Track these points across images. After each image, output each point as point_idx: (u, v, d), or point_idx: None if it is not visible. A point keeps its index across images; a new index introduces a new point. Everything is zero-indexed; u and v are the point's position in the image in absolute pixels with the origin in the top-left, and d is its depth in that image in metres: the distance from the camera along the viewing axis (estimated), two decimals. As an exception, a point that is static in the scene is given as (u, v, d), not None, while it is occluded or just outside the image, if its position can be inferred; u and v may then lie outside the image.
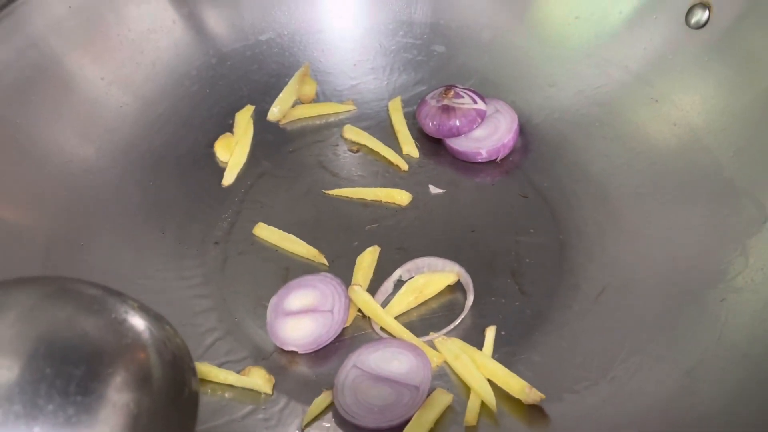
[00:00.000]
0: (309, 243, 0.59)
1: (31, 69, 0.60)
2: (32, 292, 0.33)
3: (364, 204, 0.62)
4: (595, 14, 0.66)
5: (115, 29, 0.65)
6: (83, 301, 0.34)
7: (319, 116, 0.70)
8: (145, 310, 0.36)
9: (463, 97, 0.66)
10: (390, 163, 0.65)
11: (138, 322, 0.35)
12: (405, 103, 0.70)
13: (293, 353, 0.51)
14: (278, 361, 0.52)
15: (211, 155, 0.66)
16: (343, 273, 0.56)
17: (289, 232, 0.60)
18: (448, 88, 0.66)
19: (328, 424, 0.48)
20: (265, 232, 0.60)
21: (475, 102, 0.66)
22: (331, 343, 0.51)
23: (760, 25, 0.55)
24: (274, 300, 0.53)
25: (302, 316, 0.52)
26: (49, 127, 0.60)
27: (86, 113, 0.63)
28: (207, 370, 0.49)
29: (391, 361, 0.49)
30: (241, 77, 0.70)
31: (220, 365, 0.51)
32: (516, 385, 0.47)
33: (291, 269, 0.57)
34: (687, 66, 0.60)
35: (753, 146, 0.54)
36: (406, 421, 0.46)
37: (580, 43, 0.67)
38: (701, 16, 0.59)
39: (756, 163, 0.53)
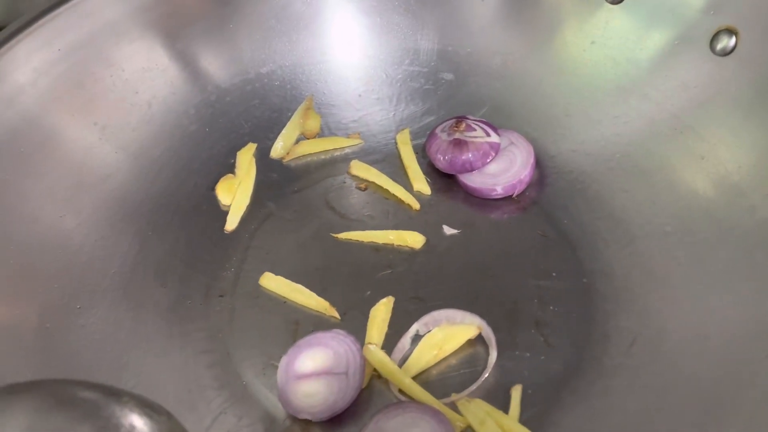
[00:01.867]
0: (319, 293, 0.56)
1: (19, 118, 0.56)
2: (27, 406, 0.30)
3: (375, 248, 0.59)
4: (612, 39, 0.63)
5: (107, 70, 0.62)
6: (83, 415, 0.31)
7: (324, 152, 0.66)
8: (150, 414, 0.33)
9: (475, 130, 0.63)
10: (401, 201, 0.62)
11: (135, 430, 0.32)
12: (414, 135, 0.67)
13: (307, 421, 0.48)
14: (291, 429, 0.49)
15: (213, 199, 0.62)
16: (356, 327, 0.53)
17: (297, 280, 0.57)
18: (459, 120, 0.63)
19: (347, 500, 0.45)
20: (272, 283, 0.57)
21: (488, 135, 0.63)
22: (346, 410, 0.48)
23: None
24: (284, 361, 0.50)
25: (315, 380, 0.49)
26: (39, 181, 0.56)
27: (79, 161, 0.59)
28: (216, 445, 0.46)
29: (411, 428, 0.46)
30: (242, 113, 0.67)
31: (230, 437, 0.48)
32: (547, 455, 0.44)
33: (301, 323, 0.54)
34: (713, 96, 0.57)
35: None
36: (431, 497, 0.43)
37: (597, 70, 0.64)
38: (727, 42, 0.56)
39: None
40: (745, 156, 0.54)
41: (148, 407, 0.34)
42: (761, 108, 0.54)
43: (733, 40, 0.56)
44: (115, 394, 0.33)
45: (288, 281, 0.56)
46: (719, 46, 0.57)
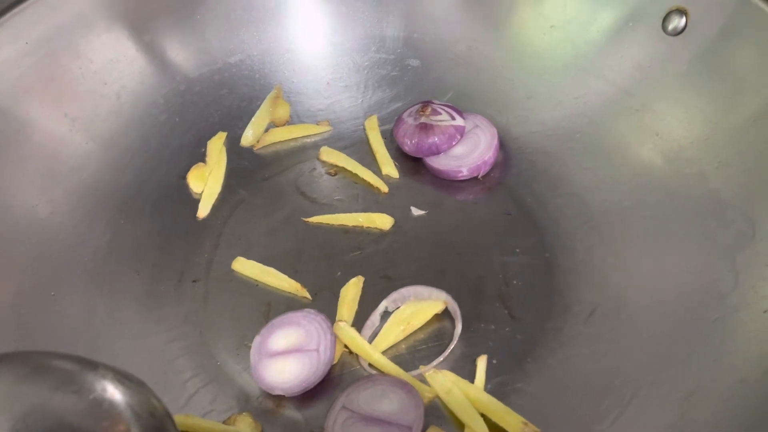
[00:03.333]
0: (291, 275, 0.57)
1: (-11, 111, 0.57)
2: (3, 375, 0.31)
3: (345, 230, 0.60)
4: (571, 23, 0.65)
5: (75, 62, 0.62)
6: (58, 382, 0.32)
7: (294, 139, 0.68)
8: (123, 382, 0.34)
9: (440, 114, 0.64)
10: (370, 185, 0.64)
11: (117, 398, 0.33)
12: (381, 121, 0.68)
13: (280, 396, 0.50)
14: (265, 405, 0.50)
15: (184, 187, 0.63)
16: (328, 306, 0.55)
17: (269, 264, 0.58)
18: (425, 104, 0.65)
19: (319, 470, 0.46)
20: (244, 266, 0.58)
21: (454, 118, 0.64)
22: (319, 385, 0.50)
23: (741, 33, 0.54)
24: (257, 340, 0.52)
25: (287, 357, 0.50)
26: (11, 172, 0.57)
27: (51, 153, 0.60)
28: (191, 422, 0.47)
29: (381, 399, 0.48)
30: (212, 103, 0.68)
31: (205, 415, 0.49)
32: (512, 421, 0.46)
33: (273, 305, 0.56)
34: (666, 75, 0.59)
35: (738, 156, 0.53)
36: (401, 464, 0.45)
37: (556, 53, 0.65)
38: (678, 22, 0.58)
39: (742, 173, 0.52)
40: (697, 130, 0.57)
41: (122, 376, 0.35)
42: (711, 84, 0.56)
43: (684, 19, 0.58)
44: (91, 365, 0.34)
45: (260, 265, 0.58)
46: (671, 26, 0.59)
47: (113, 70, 0.64)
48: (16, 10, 0.58)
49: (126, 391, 0.33)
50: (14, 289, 0.53)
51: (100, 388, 0.33)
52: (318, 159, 0.66)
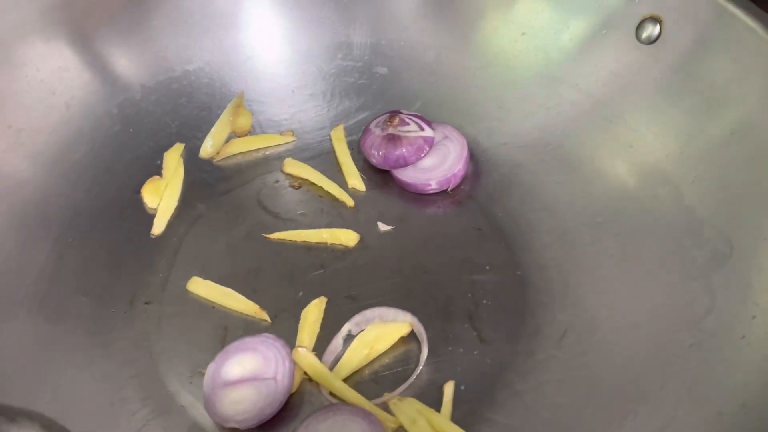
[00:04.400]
0: (249, 296, 0.54)
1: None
2: None
3: (308, 247, 0.58)
4: (543, 30, 0.63)
5: (20, 70, 0.59)
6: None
7: (256, 150, 0.65)
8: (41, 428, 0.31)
9: (408, 124, 0.62)
10: (335, 199, 0.61)
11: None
12: (348, 131, 0.65)
13: (235, 430, 0.47)
14: (218, 437, 0.47)
15: (139, 202, 0.60)
16: (288, 329, 0.52)
17: (227, 283, 0.55)
18: (393, 114, 0.62)
19: None
20: (200, 287, 0.55)
21: (422, 129, 0.62)
22: (276, 412, 0.47)
23: (717, 42, 0.52)
24: (211, 368, 0.49)
25: (243, 386, 0.47)
26: (-52, 188, 0.54)
27: (-8, 167, 0.56)
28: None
29: (342, 430, 0.45)
30: (169, 112, 0.65)
31: (149, 451, 0.46)
32: (479, 454, 0.44)
33: (230, 328, 0.53)
34: (640, 84, 0.57)
35: (714, 171, 0.51)
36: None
37: (528, 61, 0.63)
38: (652, 30, 0.56)
39: (718, 189, 0.50)
40: (671, 143, 0.55)
41: (47, 428, 0.32)
42: (686, 95, 0.54)
43: (658, 28, 0.56)
44: (10, 415, 0.31)
45: (216, 285, 0.55)
46: (644, 35, 0.57)
47: (62, 79, 0.61)
48: (-45, 16, 0.54)
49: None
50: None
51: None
52: (281, 171, 0.63)
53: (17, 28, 0.58)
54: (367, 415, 0.46)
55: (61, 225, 0.57)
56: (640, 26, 0.57)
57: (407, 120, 0.62)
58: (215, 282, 0.55)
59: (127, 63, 0.64)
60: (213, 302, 0.54)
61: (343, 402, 0.48)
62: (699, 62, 0.54)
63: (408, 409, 0.47)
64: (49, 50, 0.60)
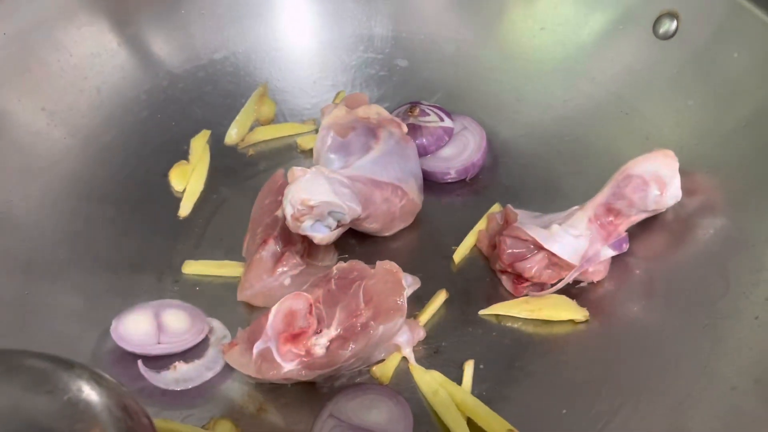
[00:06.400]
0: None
1: (-37, 103, 0.55)
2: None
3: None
4: (561, 25, 0.64)
5: (54, 55, 0.60)
6: (31, 382, 0.31)
7: (279, 138, 0.66)
8: (100, 382, 0.33)
9: (429, 115, 0.63)
10: (355, 186, 0.62)
11: (93, 398, 0.32)
12: (369, 121, 0.67)
13: (262, 400, 0.48)
14: (246, 409, 0.48)
15: (166, 185, 0.62)
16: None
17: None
18: (413, 105, 0.64)
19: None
20: (195, 267, 0.56)
21: (442, 119, 0.63)
22: (304, 390, 0.48)
23: (733, 37, 0.53)
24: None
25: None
26: (-15, 166, 0.55)
27: (27, 147, 0.58)
28: (170, 427, 0.46)
29: (369, 409, 0.47)
30: (195, 100, 0.67)
31: (184, 419, 0.47)
32: (498, 427, 0.45)
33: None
34: (656, 78, 0.59)
35: (729, 161, 0.53)
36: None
37: (546, 55, 0.65)
38: (669, 26, 0.58)
39: (733, 180, 0.52)
40: (687, 135, 0.56)
41: (99, 376, 0.34)
42: (701, 89, 0.56)
43: (675, 23, 0.57)
44: (66, 364, 0.32)
45: (210, 261, 0.56)
46: (662, 30, 0.58)
47: (94, 64, 0.63)
48: (-7, 0, 0.56)
49: (103, 391, 0.32)
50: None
51: (76, 388, 0.31)
52: (299, 150, 0.65)
53: (54, 13, 0.60)
54: (394, 395, 0.47)
55: (91, 205, 0.59)
56: (657, 21, 0.58)
57: (427, 111, 0.64)
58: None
59: (156, 50, 0.66)
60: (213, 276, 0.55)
61: (369, 383, 0.49)
62: (714, 57, 0.55)
63: (431, 381, 0.48)
64: (83, 36, 0.62)
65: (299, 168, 0.49)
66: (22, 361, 0.32)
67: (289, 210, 0.48)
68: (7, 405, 0.30)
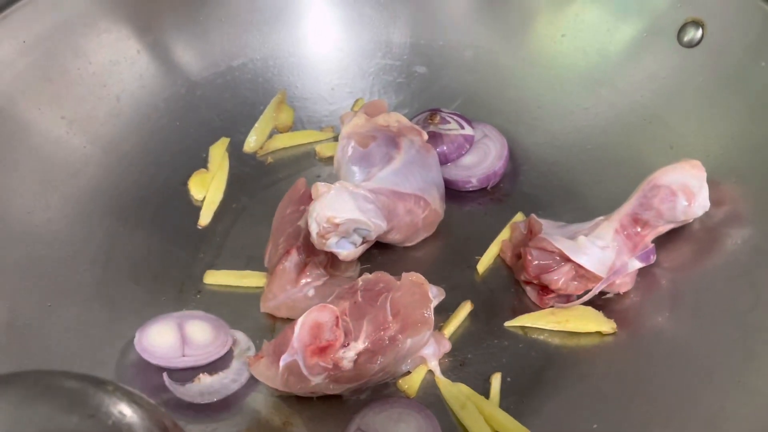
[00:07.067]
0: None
1: (-17, 112, 0.54)
2: (9, 398, 0.29)
3: (350, 241, 0.59)
4: (583, 32, 0.64)
5: (73, 63, 0.60)
6: (65, 403, 0.30)
7: (298, 145, 0.66)
8: (139, 403, 0.32)
9: (449, 122, 0.63)
10: (375, 194, 0.62)
11: (135, 422, 0.31)
12: (387, 129, 0.66)
13: (287, 414, 0.48)
14: (272, 422, 0.48)
15: (185, 193, 0.61)
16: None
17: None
18: (433, 112, 0.63)
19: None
20: (216, 277, 0.56)
21: (462, 127, 0.63)
22: (330, 403, 0.48)
23: (759, 46, 0.53)
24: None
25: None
26: (5, 176, 0.55)
27: (47, 156, 0.58)
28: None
29: (398, 423, 0.46)
30: (213, 107, 0.66)
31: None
32: (527, 441, 0.45)
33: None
34: (680, 87, 0.58)
35: (755, 172, 0.52)
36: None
37: (567, 62, 0.65)
38: (694, 34, 0.58)
39: (760, 189, 0.51)
40: (713, 144, 0.56)
41: (138, 397, 0.33)
42: (726, 98, 0.56)
43: (700, 31, 0.57)
44: (101, 384, 0.32)
45: (232, 271, 0.56)
46: (686, 38, 0.58)
47: (113, 72, 0.62)
48: (14, 7, 0.56)
49: (144, 414, 0.32)
50: (8, 299, 0.51)
51: (117, 411, 0.31)
52: (317, 158, 0.64)
53: (74, 20, 0.59)
54: (422, 408, 0.47)
55: (112, 214, 0.58)
56: (681, 30, 0.58)
57: (447, 118, 0.63)
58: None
59: (174, 58, 0.65)
60: (235, 287, 0.55)
61: (396, 397, 0.49)
62: (740, 65, 0.55)
63: (458, 394, 0.48)
64: (102, 43, 0.61)
65: (323, 184, 0.49)
66: (57, 382, 0.32)
67: (314, 227, 0.48)
68: (47, 427, 0.29)
